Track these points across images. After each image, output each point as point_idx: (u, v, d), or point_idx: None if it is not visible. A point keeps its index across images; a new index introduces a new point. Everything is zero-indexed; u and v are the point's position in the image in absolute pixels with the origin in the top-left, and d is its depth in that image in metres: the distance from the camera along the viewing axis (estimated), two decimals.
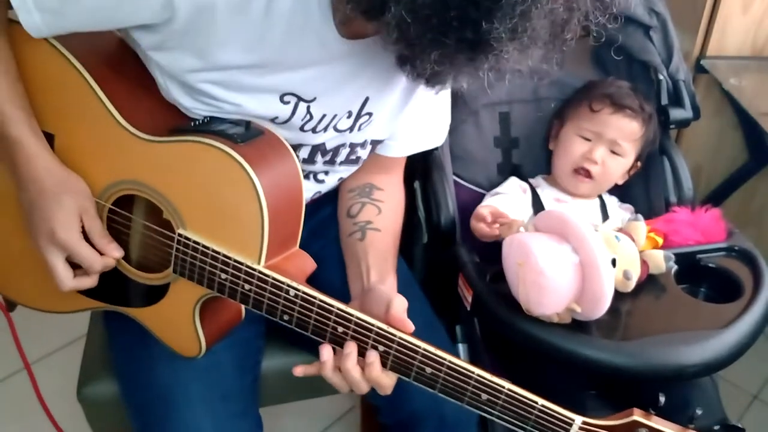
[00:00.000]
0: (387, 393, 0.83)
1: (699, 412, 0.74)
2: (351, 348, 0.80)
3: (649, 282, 1.02)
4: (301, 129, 0.89)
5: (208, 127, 0.82)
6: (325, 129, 0.91)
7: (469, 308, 1.03)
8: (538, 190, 1.26)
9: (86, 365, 1.09)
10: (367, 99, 0.90)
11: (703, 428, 0.74)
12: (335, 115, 0.90)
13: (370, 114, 0.92)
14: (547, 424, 0.77)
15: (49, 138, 0.86)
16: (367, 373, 0.80)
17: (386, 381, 0.82)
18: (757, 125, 1.45)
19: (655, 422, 0.74)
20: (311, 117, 0.88)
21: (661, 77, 1.30)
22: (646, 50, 1.31)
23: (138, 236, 0.88)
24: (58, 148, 0.87)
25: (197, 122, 0.85)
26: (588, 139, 1.21)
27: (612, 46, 1.36)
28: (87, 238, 0.85)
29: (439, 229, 1.17)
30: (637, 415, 0.75)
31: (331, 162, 0.96)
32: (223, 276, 0.81)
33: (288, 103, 0.86)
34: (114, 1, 0.75)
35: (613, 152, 1.21)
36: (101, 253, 0.85)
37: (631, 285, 0.98)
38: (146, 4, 0.75)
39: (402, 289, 1.08)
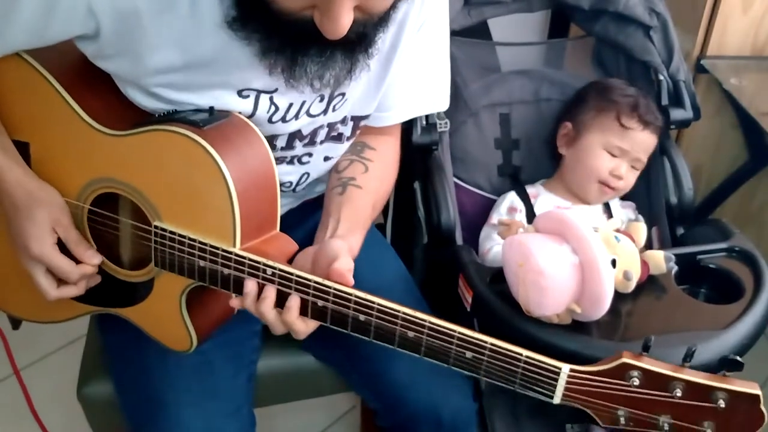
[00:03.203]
0: (301, 338, 0.83)
1: (695, 348, 0.72)
2: (269, 292, 0.79)
3: (649, 283, 1.02)
4: (270, 121, 0.88)
5: (172, 115, 0.82)
6: (297, 116, 0.89)
7: (469, 309, 1.02)
8: (537, 200, 1.26)
9: (86, 364, 1.10)
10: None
11: (702, 366, 0.72)
12: (304, 102, 0.88)
13: (343, 94, 0.91)
14: (535, 375, 0.75)
15: (25, 146, 0.88)
16: (284, 316, 0.80)
17: (300, 326, 0.81)
18: (757, 125, 1.45)
19: (646, 363, 0.72)
20: (277, 108, 0.87)
21: (661, 77, 1.30)
22: (646, 50, 1.31)
23: (121, 234, 0.88)
24: (34, 155, 0.88)
25: (162, 114, 0.85)
26: (615, 155, 1.21)
27: (612, 47, 1.36)
28: (66, 248, 0.85)
29: (439, 229, 1.17)
30: (627, 357, 0.72)
31: (311, 143, 0.95)
32: (202, 263, 0.81)
33: (247, 97, 0.85)
34: (44, 17, 0.76)
35: (633, 167, 1.22)
36: (80, 261, 0.86)
37: (632, 285, 0.98)
38: (72, 17, 0.75)
39: (400, 288, 1.09)
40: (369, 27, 0.74)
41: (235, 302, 0.82)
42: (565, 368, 0.74)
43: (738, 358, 0.71)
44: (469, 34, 1.31)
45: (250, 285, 0.80)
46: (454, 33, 1.02)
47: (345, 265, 0.79)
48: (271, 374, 1.08)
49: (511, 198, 1.26)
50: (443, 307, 1.10)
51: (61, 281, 0.87)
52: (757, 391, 0.70)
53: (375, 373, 0.99)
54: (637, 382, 0.72)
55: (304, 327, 0.81)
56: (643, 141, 1.21)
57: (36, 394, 1.12)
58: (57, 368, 1.69)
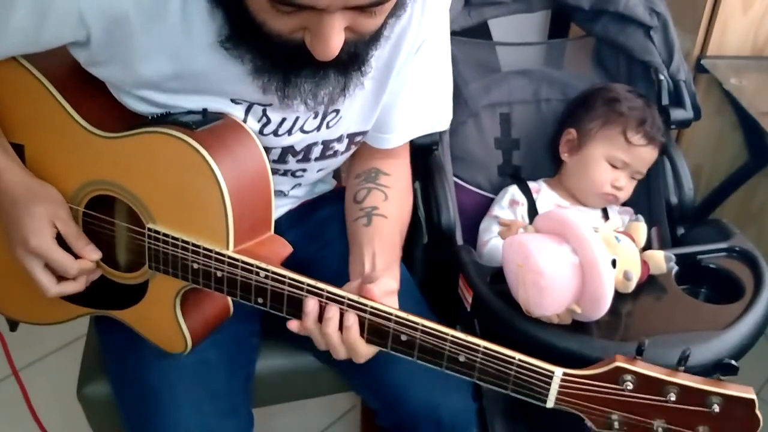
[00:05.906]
0: (361, 361, 0.82)
1: (689, 352, 0.70)
2: (332, 313, 0.79)
3: (649, 283, 1.02)
4: (261, 133, 0.88)
5: (165, 117, 0.83)
6: (290, 132, 0.90)
7: (469, 309, 1.02)
8: (539, 196, 1.26)
9: (86, 364, 1.09)
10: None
11: (701, 367, 0.70)
12: (297, 118, 0.88)
13: (337, 111, 0.91)
14: (528, 378, 0.75)
15: (20, 148, 0.88)
16: (345, 336, 0.79)
17: (363, 348, 0.81)
18: (757, 125, 1.45)
19: (640, 367, 0.71)
20: (269, 120, 0.87)
21: (661, 77, 1.30)
22: (646, 50, 1.31)
23: (115, 236, 0.88)
24: (28, 158, 0.88)
25: (155, 115, 0.85)
26: (616, 167, 1.22)
27: (613, 47, 1.36)
28: (66, 244, 0.85)
29: (439, 229, 1.17)
30: (621, 361, 0.71)
31: (305, 159, 0.95)
32: (196, 265, 0.81)
33: (240, 104, 0.85)
34: (36, 24, 0.76)
35: (632, 177, 1.23)
36: (79, 257, 0.85)
37: (632, 286, 0.98)
38: (64, 24, 0.76)
39: (399, 289, 1.08)
40: (360, 47, 0.74)
41: (294, 325, 0.81)
42: (558, 372, 0.74)
43: (733, 362, 0.70)
44: (470, 34, 1.32)
45: (311, 304, 0.79)
46: (454, 33, 1.01)
47: (386, 284, 0.82)
48: (270, 374, 1.08)
49: (513, 191, 1.26)
50: (443, 308, 1.10)
51: (60, 277, 0.86)
52: (752, 396, 0.69)
53: (375, 373, 0.99)
54: (630, 386, 0.71)
55: (367, 349, 0.81)
56: (645, 156, 1.22)
57: (35, 394, 1.12)
58: (56, 368, 1.69)
